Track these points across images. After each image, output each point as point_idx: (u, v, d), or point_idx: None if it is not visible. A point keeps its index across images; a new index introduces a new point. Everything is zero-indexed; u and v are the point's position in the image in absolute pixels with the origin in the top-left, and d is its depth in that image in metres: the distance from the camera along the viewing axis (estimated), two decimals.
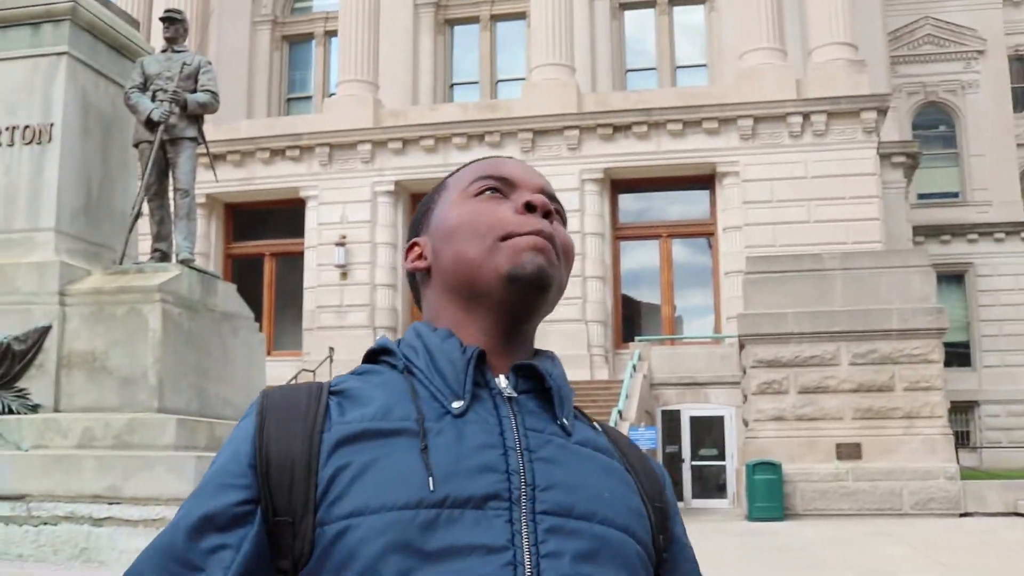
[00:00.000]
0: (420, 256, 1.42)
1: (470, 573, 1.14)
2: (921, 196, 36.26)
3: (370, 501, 1.17)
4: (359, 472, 1.19)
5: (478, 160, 1.45)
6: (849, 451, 18.06)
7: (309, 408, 1.27)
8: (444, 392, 1.28)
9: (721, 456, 23.04)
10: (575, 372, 23.26)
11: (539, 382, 1.33)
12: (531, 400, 1.32)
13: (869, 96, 25.14)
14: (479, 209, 1.35)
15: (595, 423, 1.42)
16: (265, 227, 29.21)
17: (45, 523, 7.49)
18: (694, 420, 23.36)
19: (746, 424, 19.64)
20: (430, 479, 1.17)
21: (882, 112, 25.28)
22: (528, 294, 1.31)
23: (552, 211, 1.35)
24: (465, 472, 1.20)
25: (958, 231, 35.70)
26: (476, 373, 1.30)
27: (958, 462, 18.81)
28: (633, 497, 1.32)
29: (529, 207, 1.34)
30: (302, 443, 1.23)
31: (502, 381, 1.31)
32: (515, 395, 1.30)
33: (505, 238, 1.31)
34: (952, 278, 35.15)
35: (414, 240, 1.44)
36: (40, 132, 9.43)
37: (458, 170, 1.47)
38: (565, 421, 1.32)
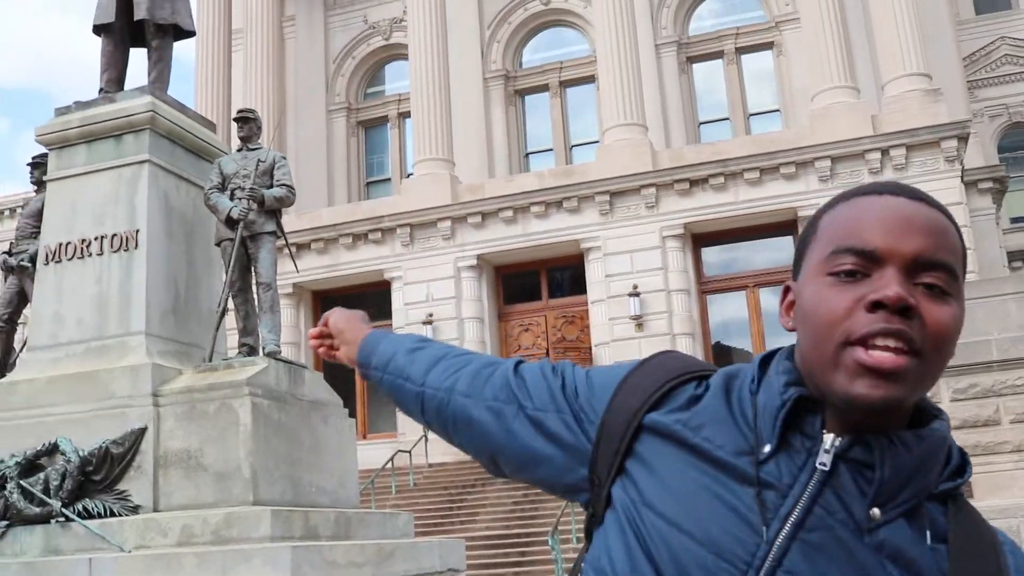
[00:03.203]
0: (790, 308, 1.36)
1: None
2: (1014, 220, 35.34)
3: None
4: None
5: (852, 199, 1.31)
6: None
7: None
8: (761, 432, 1.28)
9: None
10: None
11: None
12: (857, 476, 1.24)
13: (947, 124, 24.71)
14: (826, 297, 1.24)
15: (959, 526, 1.27)
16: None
17: None
18: None
19: None
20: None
21: (963, 139, 24.80)
22: (870, 418, 1.23)
23: (911, 306, 1.20)
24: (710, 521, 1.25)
25: None
26: (803, 423, 1.26)
27: None
28: None
29: (878, 306, 1.20)
30: None
31: (828, 442, 1.25)
32: (827, 466, 1.23)
33: (848, 343, 1.21)
34: None
35: (787, 285, 1.38)
36: (127, 239, 9.75)
37: (834, 203, 1.34)
38: (876, 513, 1.22)
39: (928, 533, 1.25)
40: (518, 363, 1.61)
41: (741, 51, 31.31)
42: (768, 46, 31.12)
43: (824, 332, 1.23)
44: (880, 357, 1.18)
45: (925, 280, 1.22)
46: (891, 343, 1.18)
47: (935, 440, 1.28)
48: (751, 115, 31.02)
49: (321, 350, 1.99)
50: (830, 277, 1.25)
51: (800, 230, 23.91)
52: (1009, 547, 1.32)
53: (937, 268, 1.23)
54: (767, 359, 1.39)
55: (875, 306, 1.19)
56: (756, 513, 1.22)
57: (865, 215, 1.26)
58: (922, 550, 1.23)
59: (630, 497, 1.34)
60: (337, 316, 1.98)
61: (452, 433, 1.65)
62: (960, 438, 17.81)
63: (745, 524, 1.22)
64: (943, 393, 18.00)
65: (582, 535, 1.46)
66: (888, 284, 1.20)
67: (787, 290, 1.37)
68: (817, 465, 1.23)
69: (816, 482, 1.23)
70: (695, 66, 31.74)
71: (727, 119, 31.08)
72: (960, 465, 1.31)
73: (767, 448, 1.25)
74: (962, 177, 25.19)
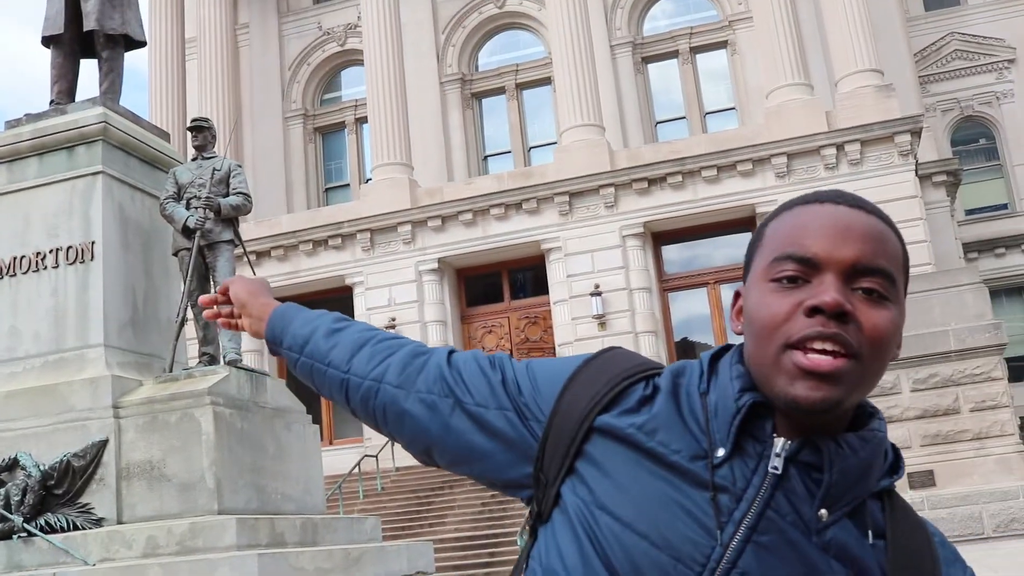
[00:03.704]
0: (740, 313, 1.39)
1: None
2: (969, 212, 35.81)
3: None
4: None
5: (795, 208, 1.36)
6: (922, 479, 17.70)
7: None
8: (714, 435, 1.30)
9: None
10: None
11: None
12: (805, 478, 1.28)
13: (901, 119, 25.00)
14: (768, 302, 1.28)
15: (895, 523, 1.33)
16: None
17: None
18: None
19: None
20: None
21: (916, 134, 25.12)
22: (811, 419, 1.27)
23: (847, 311, 1.23)
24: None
25: (1011, 243, 35.15)
26: (754, 427, 1.29)
27: None
28: None
29: (816, 311, 1.24)
30: None
31: (778, 445, 1.28)
32: (778, 470, 1.27)
33: (788, 346, 1.25)
34: (1012, 291, 34.55)
35: (737, 291, 1.42)
36: (82, 251, 9.69)
37: (778, 212, 1.39)
38: (824, 514, 1.26)
39: (871, 530, 1.30)
40: (450, 352, 1.59)
41: (696, 50, 31.52)
42: (722, 45, 31.35)
43: (766, 335, 1.27)
44: (817, 360, 1.22)
45: (863, 285, 1.26)
46: (828, 346, 1.22)
47: (877, 441, 1.32)
48: (707, 113, 31.23)
49: (220, 320, 1.88)
50: (773, 283, 1.29)
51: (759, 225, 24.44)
52: (939, 539, 1.38)
53: (875, 274, 1.27)
54: (716, 356, 1.41)
55: (813, 311, 1.23)
56: (711, 517, 1.25)
57: (806, 223, 1.30)
58: (864, 547, 1.28)
59: (581, 499, 1.35)
60: (238, 287, 1.86)
61: (381, 423, 1.63)
62: (921, 427, 18.05)
63: (700, 527, 1.25)
64: (903, 384, 18.23)
65: None
66: (826, 290, 1.24)
67: (737, 295, 1.41)
68: (769, 469, 1.27)
69: (768, 486, 1.26)
70: (650, 66, 31.91)
71: (684, 118, 31.27)
72: (894, 463, 1.36)
73: (721, 452, 1.28)
74: (916, 171, 25.51)
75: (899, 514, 1.35)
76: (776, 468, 1.26)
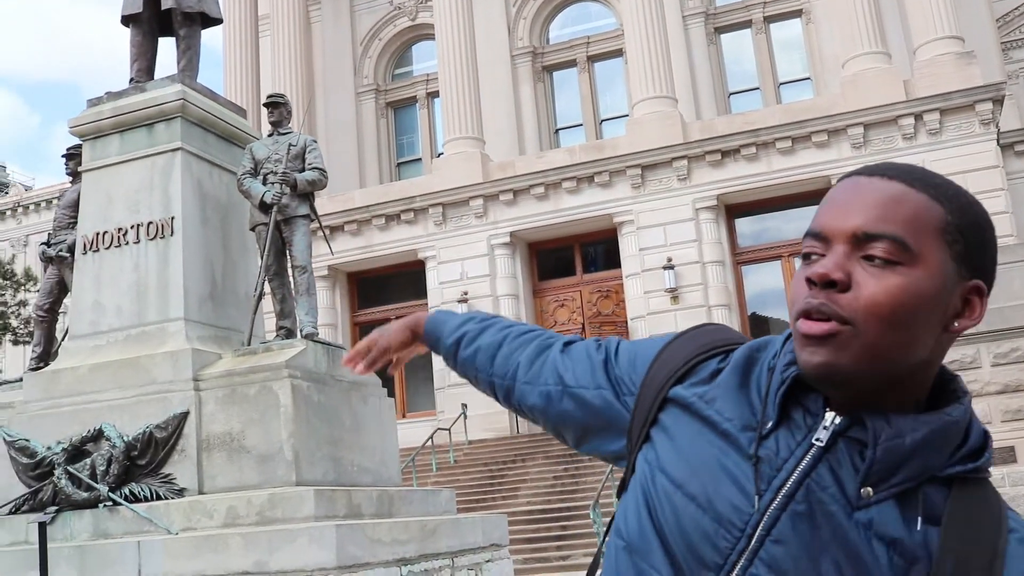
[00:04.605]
0: None
1: None
2: None
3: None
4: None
5: (835, 185, 1.37)
6: (1003, 455, 17.35)
7: None
8: (768, 406, 1.34)
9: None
10: None
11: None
12: (852, 451, 1.27)
13: (982, 87, 24.38)
14: (795, 279, 1.33)
15: (957, 509, 1.26)
16: (388, 292, 29.75)
17: None
18: None
19: None
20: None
21: (998, 102, 24.48)
22: (828, 390, 1.30)
23: (836, 280, 1.25)
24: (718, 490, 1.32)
25: None
26: (807, 400, 1.31)
27: None
28: None
29: (811, 282, 1.28)
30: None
31: (828, 419, 1.29)
32: (822, 442, 1.28)
33: (795, 316, 1.30)
34: None
35: None
36: (163, 226, 9.86)
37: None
38: (868, 492, 1.24)
39: (921, 515, 1.25)
40: (567, 343, 1.73)
41: (769, 20, 31.02)
42: (797, 14, 30.80)
43: (790, 310, 1.32)
44: (808, 324, 1.26)
45: (866, 252, 1.25)
46: (815, 315, 1.26)
47: (941, 425, 1.27)
48: (781, 84, 30.75)
49: (377, 365, 1.98)
50: (803, 259, 1.33)
51: None
52: (1020, 535, 1.27)
53: (877, 239, 1.25)
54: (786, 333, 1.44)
55: (809, 283, 1.27)
56: (752, 483, 1.29)
57: (829, 198, 1.34)
58: (911, 531, 1.24)
59: (648, 462, 1.42)
60: (376, 334, 1.98)
61: (525, 415, 1.76)
62: (1002, 403, 17.69)
63: (743, 494, 1.29)
64: (983, 358, 17.87)
65: None
66: (823, 262, 1.27)
67: None
68: (813, 441, 1.28)
69: (811, 457, 1.28)
70: (723, 36, 31.48)
71: (757, 89, 30.82)
72: (978, 448, 1.29)
73: (770, 423, 1.32)
74: (998, 140, 24.87)
75: (968, 501, 1.27)
76: (820, 440, 1.28)
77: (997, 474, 17.33)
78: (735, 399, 1.38)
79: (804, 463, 1.27)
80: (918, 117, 24.62)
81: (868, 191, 1.29)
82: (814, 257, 1.30)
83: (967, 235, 1.28)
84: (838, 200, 1.31)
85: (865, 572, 1.22)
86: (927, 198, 1.28)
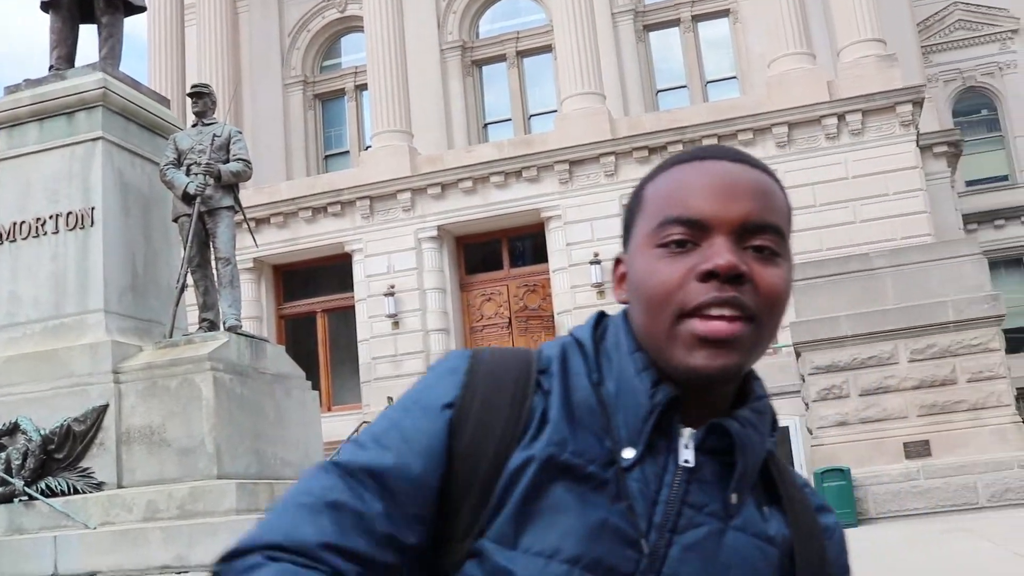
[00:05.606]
0: (622, 281, 1.30)
1: None
2: (969, 183, 35.78)
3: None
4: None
5: (674, 167, 1.26)
6: (918, 449, 17.77)
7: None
8: (620, 432, 1.19)
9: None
10: None
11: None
12: (712, 464, 1.21)
13: (903, 89, 24.92)
14: (658, 269, 1.19)
15: (784, 486, 1.29)
16: (314, 285, 29.53)
17: None
18: None
19: (811, 432, 19.43)
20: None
21: (918, 104, 25.04)
22: (710, 387, 1.21)
23: (742, 273, 1.16)
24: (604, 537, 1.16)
25: (1011, 214, 35.14)
26: (661, 420, 1.19)
27: None
28: None
29: (710, 276, 1.16)
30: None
31: (686, 436, 1.20)
32: (691, 463, 1.19)
33: (682, 315, 1.16)
34: (1010, 262, 34.59)
35: (618, 257, 1.32)
36: (82, 217, 9.70)
37: (657, 172, 1.29)
38: (735, 498, 1.21)
39: (764, 500, 1.27)
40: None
41: (697, 18, 31.34)
42: (724, 13, 31.17)
43: (657, 305, 1.19)
44: (716, 326, 1.15)
45: (754, 243, 1.19)
46: (726, 312, 1.15)
47: (766, 408, 1.27)
48: (708, 82, 31.09)
49: None
50: (660, 249, 1.20)
51: None
52: (803, 484, 1.35)
53: (766, 231, 1.20)
54: (597, 334, 1.31)
55: (707, 275, 1.16)
56: (631, 525, 1.16)
57: (690, 182, 1.22)
58: (767, 518, 1.25)
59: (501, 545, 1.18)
60: None
61: None
62: (918, 397, 18.12)
63: (624, 540, 1.16)
64: (901, 353, 18.28)
65: None
66: (718, 252, 1.16)
67: (618, 263, 1.32)
68: (680, 463, 1.19)
69: (681, 480, 1.19)
70: (652, 34, 31.74)
71: (685, 87, 31.13)
72: (774, 420, 1.30)
73: (630, 454, 1.19)
74: (918, 141, 25.45)
75: (784, 475, 1.31)
76: (688, 461, 1.19)
77: (913, 467, 17.75)
78: (581, 433, 1.20)
79: (676, 489, 1.18)
80: (841, 117, 25.09)
81: (743, 179, 1.22)
82: (689, 246, 1.19)
83: (791, 223, 1.28)
84: (710, 187, 1.21)
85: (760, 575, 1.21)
86: (778, 187, 1.26)
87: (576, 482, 1.17)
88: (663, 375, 1.20)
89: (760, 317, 1.17)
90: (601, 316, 1.34)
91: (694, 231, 1.18)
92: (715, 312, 1.15)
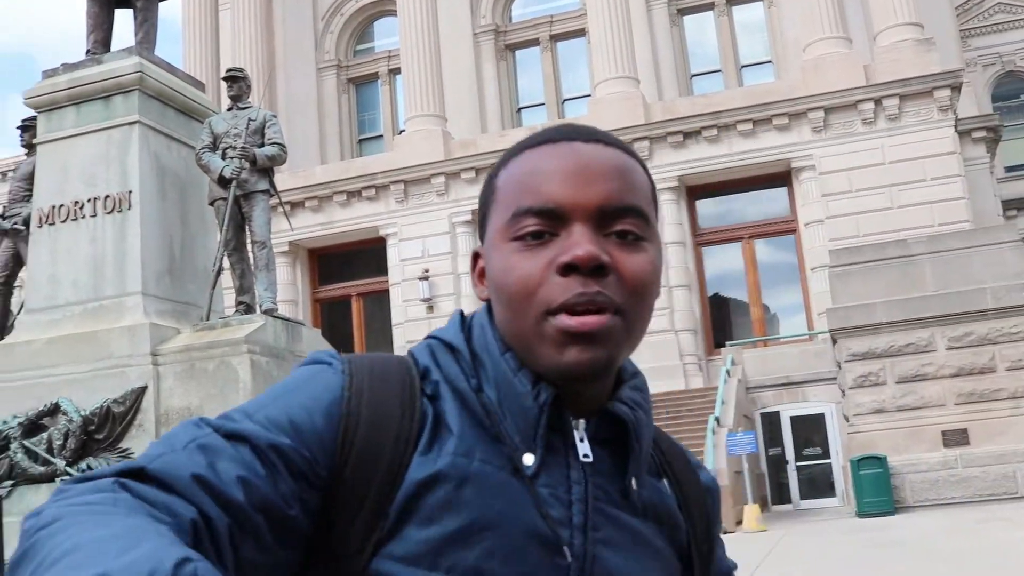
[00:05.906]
0: (482, 276, 1.22)
1: None
2: (1009, 169, 35.39)
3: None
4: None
5: (525, 152, 1.18)
6: (956, 437, 17.63)
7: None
8: (513, 438, 1.12)
9: (826, 454, 22.68)
10: (669, 383, 23.12)
11: (624, 430, 1.16)
12: (606, 453, 1.16)
13: (940, 74, 24.64)
14: (515, 265, 1.11)
15: (659, 453, 1.27)
16: (349, 268, 29.64)
17: None
18: (794, 420, 23.06)
19: (847, 419, 19.31)
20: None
21: (956, 89, 24.74)
22: (584, 384, 1.13)
23: (604, 263, 1.08)
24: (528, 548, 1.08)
25: None
26: (552, 418, 1.13)
27: None
28: None
29: (570, 269, 1.08)
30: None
31: (580, 429, 1.15)
32: (589, 456, 1.14)
33: (549, 312, 1.08)
34: None
35: (476, 251, 1.24)
36: (120, 200, 9.75)
37: (507, 159, 1.21)
38: (633, 483, 1.16)
39: (655, 475, 1.24)
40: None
41: (732, 2, 31.11)
42: None
43: (520, 303, 1.10)
44: (583, 321, 1.07)
45: (616, 229, 1.11)
46: (592, 307, 1.07)
47: (643, 382, 1.23)
48: (743, 67, 30.88)
49: None
50: (516, 242, 1.12)
51: (794, 181, 23.85)
52: (682, 448, 1.35)
53: (627, 214, 1.11)
54: (465, 336, 1.21)
55: (567, 269, 1.08)
56: (552, 533, 1.09)
57: (541, 168, 1.13)
58: (660, 493, 1.22)
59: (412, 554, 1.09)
60: None
61: None
62: (955, 386, 17.96)
63: (548, 549, 1.09)
64: (938, 341, 18.11)
65: None
66: (576, 242, 1.08)
67: (476, 256, 1.24)
68: (581, 458, 1.13)
69: (583, 477, 1.13)
70: (686, 18, 31.54)
71: (719, 71, 30.92)
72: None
73: (530, 459, 1.11)
74: (956, 126, 25.16)
75: (663, 442, 1.29)
76: (588, 456, 1.13)
77: (951, 455, 17.60)
78: (483, 443, 1.12)
79: (583, 486, 1.12)
80: (877, 102, 24.84)
81: (597, 159, 1.13)
82: (546, 236, 1.10)
83: (656, 201, 1.21)
84: (562, 171, 1.12)
85: (664, 560, 1.18)
86: (638, 164, 1.18)
87: (491, 495, 1.08)
88: (538, 374, 1.13)
89: (628, 307, 1.10)
90: (463, 315, 1.24)
91: (550, 221, 1.10)
92: (581, 308, 1.08)
